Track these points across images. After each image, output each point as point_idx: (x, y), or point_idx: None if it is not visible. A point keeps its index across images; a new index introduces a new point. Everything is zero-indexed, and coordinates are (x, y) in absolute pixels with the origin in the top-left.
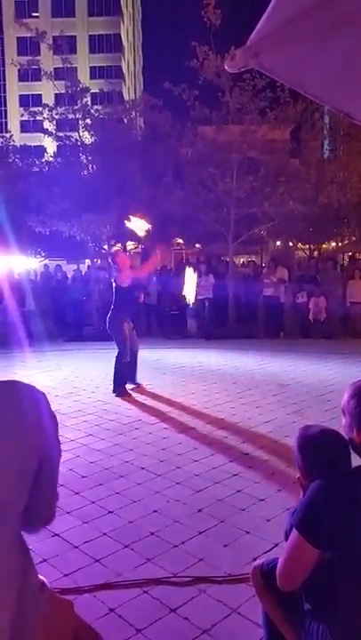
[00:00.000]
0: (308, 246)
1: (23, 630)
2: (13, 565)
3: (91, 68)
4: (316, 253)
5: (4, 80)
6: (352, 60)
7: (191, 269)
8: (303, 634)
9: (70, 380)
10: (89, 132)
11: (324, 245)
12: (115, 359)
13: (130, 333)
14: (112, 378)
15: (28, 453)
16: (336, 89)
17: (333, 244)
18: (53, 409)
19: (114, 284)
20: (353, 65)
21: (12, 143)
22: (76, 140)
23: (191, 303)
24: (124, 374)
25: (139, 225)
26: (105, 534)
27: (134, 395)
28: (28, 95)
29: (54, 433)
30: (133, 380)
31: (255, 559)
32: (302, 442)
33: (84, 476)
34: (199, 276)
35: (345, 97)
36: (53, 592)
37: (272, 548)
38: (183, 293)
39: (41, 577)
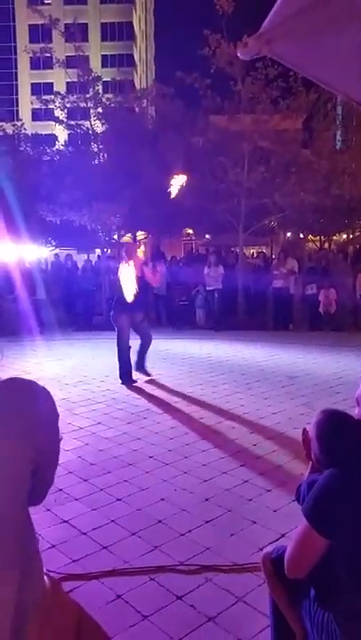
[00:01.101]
0: (318, 238)
1: (22, 627)
2: (13, 559)
3: (102, 56)
4: (326, 245)
5: (16, 68)
6: None
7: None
8: (308, 621)
9: (80, 368)
10: (100, 120)
11: (334, 237)
12: (119, 354)
13: (140, 325)
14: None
15: (30, 447)
16: (349, 77)
17: (344, 235)
18: (63, 397)
19: (119, 277)
20: None
21: (23, 131)
22: (88, 128)
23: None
24: (128, 364)
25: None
26: (113, 521)
27: (143, 384)
28: (40, 83)
29: (52, 431)
30: (143, 369)
31: (261, 549)
32: (321, 427)
33: (92, 464)
34: (209, 267)
35: (358, 86)
36: (58, 589)
37: (278, 539)
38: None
39: (46, 576)
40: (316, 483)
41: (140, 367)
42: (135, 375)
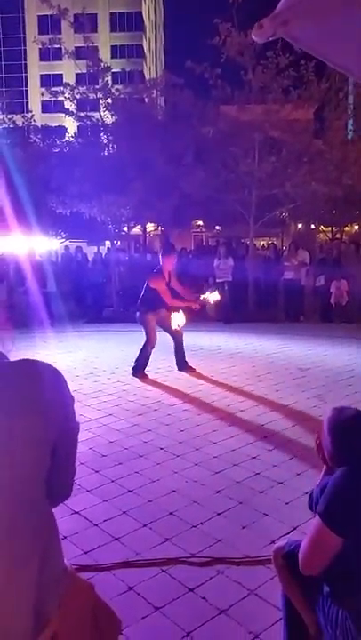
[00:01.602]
0: (330, 229)
1: (43, 611)
2: (33, 543)
3: (112, 46)
4: (338, 236)
5: (26, 60)
6: None
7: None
8: (322, 616)
9: (90, 360)
10: (110, 111)
11: (346, 228)
12: (142, 346)
13: (167, 322)
14: (132, 360)
15: (48, 426)
16: None
17: (356, 226)
18: (74, 389)
19: (147, 279)
20: None
21: (33, 123)
22: (97, 119)
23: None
24: (145, 361)
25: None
26: (124, 513)
27: (154, 376)
28: (49, 75)
29: (72, 407)
30: (183, 365)
31: (273, 542)
32: (334, 424)
33: (104, 455)
34: (218, 259)
35: None
36: (74, 574)
37: (290, 531)
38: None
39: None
40: (330, 481)
41: (183, 366)
42: (160, 370)
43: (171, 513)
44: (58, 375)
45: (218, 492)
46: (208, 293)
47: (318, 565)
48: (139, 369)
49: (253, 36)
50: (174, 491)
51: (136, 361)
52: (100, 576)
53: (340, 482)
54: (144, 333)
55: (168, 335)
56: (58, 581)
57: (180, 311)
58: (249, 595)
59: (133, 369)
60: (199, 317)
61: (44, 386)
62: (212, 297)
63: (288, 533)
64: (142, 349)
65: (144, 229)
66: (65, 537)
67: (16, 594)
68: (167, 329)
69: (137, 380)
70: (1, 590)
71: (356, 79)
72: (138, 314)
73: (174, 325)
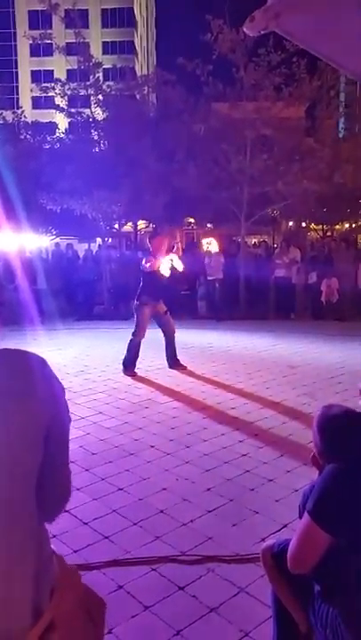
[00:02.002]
0: (321, 227)
1: (39, 605)
2: (31, 535)
3: (103, 42)
4: (329, 234)
5: (16, 55)
6: None
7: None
8: (313, 615)
9: (81, 358)
10: (101, 107)
11: (337, 226)
12: (130, 339)
13: (163, 317)
14: (122, 357)
15: (38, 416)
16: (359, 56)
17: (347, 224)
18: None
19: (141, 267)
20: None
21: (23, 119)
22: (88, 116)
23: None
24: (134, 354)
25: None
26: (114, 511)
27: (144, 374)
28: (40, 71)
29: (63, 398)
30: (174, 362)
31: (264, 539)
32: (323, 422)
33: (94, 454)
34: (209, 256)
35: None
36: (61, 559)
37: (281, 529)
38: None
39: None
40: (319, 478)
41: (174, 363)
42: (150, 367)
43: (161, 511)
44: (45, 365)
45: (208, 489)
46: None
47: (307, 564)
48: (128, 365)
49: (245, 29)
50: (165, 489)
51: (125, 355)
52: (90, 575)
53: (328, 479)
54: (135, 324)
55: (160, 332)
56: (49, 570)
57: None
58: (239, 592)
59: (123, 365)
60: (190, 315)
61: (34, 375)
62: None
63: (278, 531)
64: (130, 341)
65: (135, 226)
66: (55, 536)
67: (19, 593)
68: (161, 324)
69: (127, 377)
70: (3, 590)
71: (348, 74)
72: (137, 303)
73: (176, 265)
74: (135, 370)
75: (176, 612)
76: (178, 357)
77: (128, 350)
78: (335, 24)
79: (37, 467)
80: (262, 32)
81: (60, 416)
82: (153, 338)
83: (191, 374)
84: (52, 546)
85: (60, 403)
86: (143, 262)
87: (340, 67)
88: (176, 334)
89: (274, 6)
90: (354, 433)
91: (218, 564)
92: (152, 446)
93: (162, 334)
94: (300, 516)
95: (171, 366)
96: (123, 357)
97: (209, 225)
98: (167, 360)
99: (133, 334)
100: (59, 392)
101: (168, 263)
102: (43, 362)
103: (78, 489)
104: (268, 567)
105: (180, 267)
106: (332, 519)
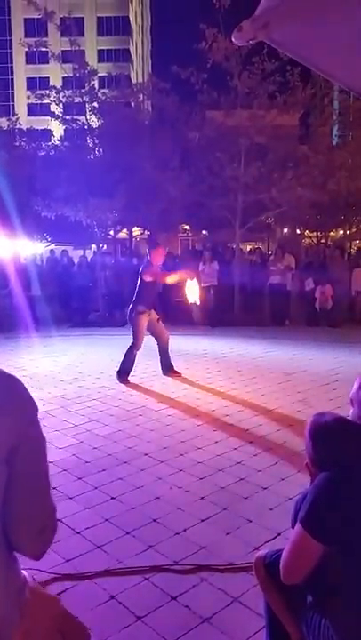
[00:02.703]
0: (315, 233)
1: (5, 625)
2: None
3: (99, 50)
4: (323, 241)
5: (12, 62)
6: None
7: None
8: (305, 626)
9: (75, 365)
10: (96, 115)
11: (331, 233)
12: (127, 350)
13: (157, 325)
14: (117, 364)
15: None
16: (348, 66)
17: (341, 231)
18: (58, 394)
19: (139, 276)
20: None
21: (18, 126)
22: (83, 123)
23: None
24: (130, 365)
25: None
26: (107, 520)
27: (138, 381)
28: (36, 78)
29: (28, 419)
30: (169, 370)
31: (257, 548)
32: (315, 429)
33: (87, 462)
34: (203, 264)
35: (358, 75)
36: (37, 589)
37: (275, 537)
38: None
39: (24, 572)
40: (311, 486)
41: (168, 370)
42: (145, 374)
43: (154, 520)
44: (13, 379)
45: (202, 498)
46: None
47: (300, 574)
48: (123, 373)
49: (233, 39)
50: (158, 497)
51: (121, 364)
52: (82, 585)
53: (320, 488)
54: (132, 335)
55: (153, 339)
56: (19, 594)
57: (192, 279)
58: (233, 602)
59: (118, 373)
60: (185, 321)
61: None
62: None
63: (272, 539)
64: (128, 352)
65: (130, 233)
66: None
67: None
68: (154, 332)
69: (122, 384)
70: None
71: (339, 83)
72: (133, 314)
73: (191, 298)
74: (128, 377)
75: (169, 622)
76: (173, 363)
77: (125, 361)
78: (324, 34)
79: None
80: (250, 42)
81: (28, 435)
82: (147, 345)
83: (185, 381)
84: (41, 562)
85: (28, 421)
86: (141, 272)
87: (329, 77)
88: (171, 341)
89: (262, 16)
90: (346, 441)
91: (211, 573)
92: (146, 454)
93: (155, 342)
94: (293, 526)
95: (165, 373)
96: (118, 366)
97: (204, 232)
98: (161, 367)
99: (132, 345)
100: (26, 410)
101: (192, 291)
102: (8, 376)
103: (71, 498)
104: (261, 577)
105: (197, 298)
106: (325, 528)
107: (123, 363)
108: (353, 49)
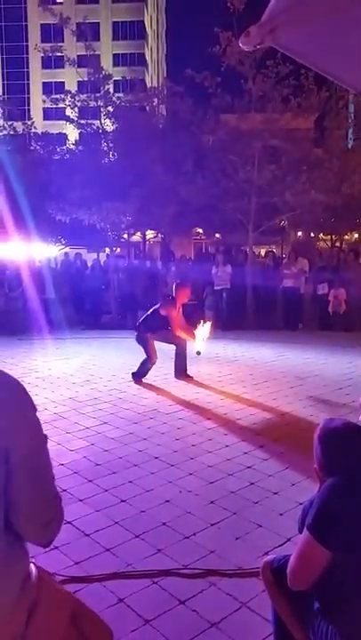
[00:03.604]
0: (329, 237)
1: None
2: None
3: (114, 55)
4: (338, 244)
5: (28, 67)
6: None
7: (207, 325)
8: (312, 633)
9: (87, 367)
10: (110, 119)
11: (346, 236)
12: (143, 359)
13: (168, 335)
14: (129, 367)
15: None
16: (355, 69)
17: (356, 234)
18: (70, 396)
19: (156, 306)
20: None
21: (33, 130)
22: (98, 127)
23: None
24: (146, 371)
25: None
26: (117, 523)
27: (150, 384)
28: (51, 82)
29: (23, 418)
30: (182, 373)
31: (267, 553)
32: (324, 435)
33: (97, 464)
34: (217, 267)
35: None
36: (49, 582)
37: (284, 543)
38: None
39: (33, 566)
40: (319, 493)
41: (181, 374)
42: (157, 377)
43: (163, 523)
44: (7, 378)
45: (212, 502)
46: (201, 326)
47: (307, 580)
48: (137, 375)
49: (241, 44)
50: (168, 501)
51: (139, 367)
52: (91, 587)
53: (328, 494)
54: (144, 352)
55: (164, 344)
56: (23, 586)
57: (203, 325)
58: (241, 607)
59: (133, 374)
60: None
61: None
62: (203, 332)
63: (282, 545)
64: (143, 363)
65: (144, 236)
66: (56, 547)
67: None
68: (170, 342)
69: (133, 387)
70: None
71: (346, 86)
72: (136, 334)
73: (198, 347)
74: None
75: (176, 626)
76: (187, 368)
77: (141, 366)
78: (331, 39)
79: None
80: (258, 47)
81: (27, 435)
82: (160, 347)
83: (197, 384)
84: (35, 566)
85: (25, 422)
86: (160, 306)
87: (337, 80)
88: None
89: (269, 21)
90: (355, 447)
91: (220, 577)
92: (156, 457)
93: (172, 346)
94: (300, 531)
95: (177, 377)
96: (136, 367)
97: (217, 235)
98: (175, 370)
99: (145, 361)
100: (23, 410)
101: (201, 340)
102: (3, 377)
103: (81, 500)
104: (268, 583)
105: (202, 348)
106: (332, 535)
107: (140, 368)
108: (359, 52)
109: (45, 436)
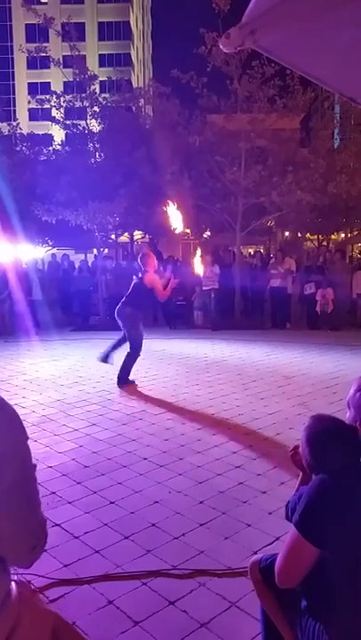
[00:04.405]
0: (316, 237)
1: None
2: None
3: (100, 55)
4: (324, 244)
5: (13, 68)
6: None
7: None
8: (299, 631)
9: (76, 369)
10: (97, 120)
11: (333, 236)
12: (126, 354)
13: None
14: (117, 369)
15: None
16: (338, 71)
17: (342, 234)
18: (58, 398)
19: (136, 281)
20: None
21: (19, 131)
22: (84, 128)
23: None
24: (129, 371)
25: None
26: (106, 525)
27: (139, 384)
28: (37, 83)
29: (10, 451)
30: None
31: (256, 552)
32: (311, 433)
33: (86, 466)
34: (205, 267)
35: (349, 80)
36: (32, 599)
37: (273, 542)
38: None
39: (14, 584)
40: (306, 489)
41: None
42: (145, 378)
43: (153, 524)
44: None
45: (201, 502)
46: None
47: (295, 577)
48: (123, 380)
49: (221, 46)
50: (157, 502)
51: (120, 371)
52: (80, 589)
53: (315, 491)
54: (130, 340)
55: (149, 342)
56: (3, 605)
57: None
58: (230, 607)
59: (118, 379)
60: (186, 325)
61: None
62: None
63: (271, 544)
64: (128, 358)
65: (131, 237)
66: (45, 550)
67: None
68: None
69: (122, 389)
70: None
71: (328, 88)
72: (132, 320)
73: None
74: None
75: (166, 627)
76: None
77: (125, 367)
78: (311, 40)
79: None
80: (239, 49)
81: (17, 464)
82: (147, 348)
83: (186, 385)
84: (16, 582)
85: (15, 449)
86: (139, 278)
87: (319, 82)
88: (172, 344)
89: (249, 23)
90: (341, 445)
91: (209, 577)
92: (145, 458)
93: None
94: (288, 519)
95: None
96: (118, 373)
97: (205, 235)
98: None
99: (134, 350)
100: (14, 438)
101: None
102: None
103: (70, 502)
104: (256, 582)
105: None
106: (320, 532)
107: (122, 369)
108: (340, 54)
109: (34, 465)
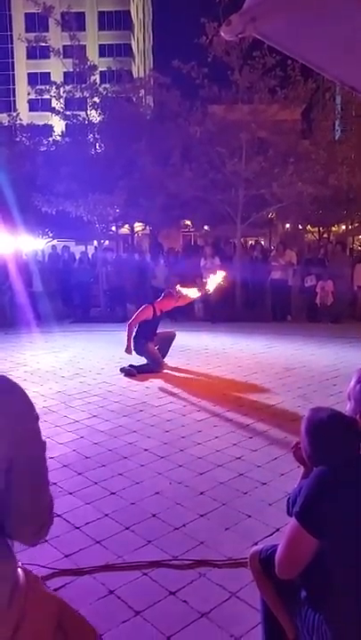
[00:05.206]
0: (317, 229)
1: None
2: None
3: (100, 45)
4: (325, 236)
5: (13, 58)
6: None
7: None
8: (299, 621)
9: (76, 361)
10: (97, 110)
11: (333, 228)
12: (146, 364)
13: (164, 338)
14: (118, 360)
15: None
16: (340, 60)
17: (343, 226)
18: (59, 390)
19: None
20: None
21: (19, 122)
22: (84, 118)
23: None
24: (141, 372)
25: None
26: (107, 515)
27: (139, 377)
28: (37, 73)
29: (29, 430)
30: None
31: (256, 543)
32: (311, 425)
33: (87, 457)
34: (205, 259)
35: (350, 69)
36: (37, 584)
37: (273, 533)
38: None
39: (20, 570)
40: (306, 481)
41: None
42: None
43: (153, 515)
44: (17, 392)
45: (202, 493)
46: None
47: (295, 568)
48: (128, 371)
49: (222, 33)
50: (158, 492)
51: (134, 366)
52: (81, 580)
53: (315, 482)
54: (149, 361)
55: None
56: (12, 591)
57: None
58: (231, 597)
59: (124, 368)
60: (187, 317)
61: (3, 402)
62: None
63: (271, 535)
64: (147, 366)
65: (132, 229)
66: (46, 540)
67: None
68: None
69: (123, 380)
70: None
71: (329, 77)
72: (136, 347)
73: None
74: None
75: (167, 617)
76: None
77: (139, 367)
78: (312, 28)
79: None
80: (240, 36)
81: (24, 451)
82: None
83: (186, 376)
84: (41, 556)
85: (24, 438)
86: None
87: (320, 70)
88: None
89: (250, 10)
90: (340, 437)
91: (209, 568)
92: (146, 449)
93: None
94: (289, 514)
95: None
96: (129, 366)
97: (206, 227)
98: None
99: (150, 366)
100: (21, 427)
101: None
102: (4, 392)
103: (71, 493)
104: (256, 572)
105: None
106: (319, 523)
107: (136, 366)
108: (342, 41)
109: (44, 443)
